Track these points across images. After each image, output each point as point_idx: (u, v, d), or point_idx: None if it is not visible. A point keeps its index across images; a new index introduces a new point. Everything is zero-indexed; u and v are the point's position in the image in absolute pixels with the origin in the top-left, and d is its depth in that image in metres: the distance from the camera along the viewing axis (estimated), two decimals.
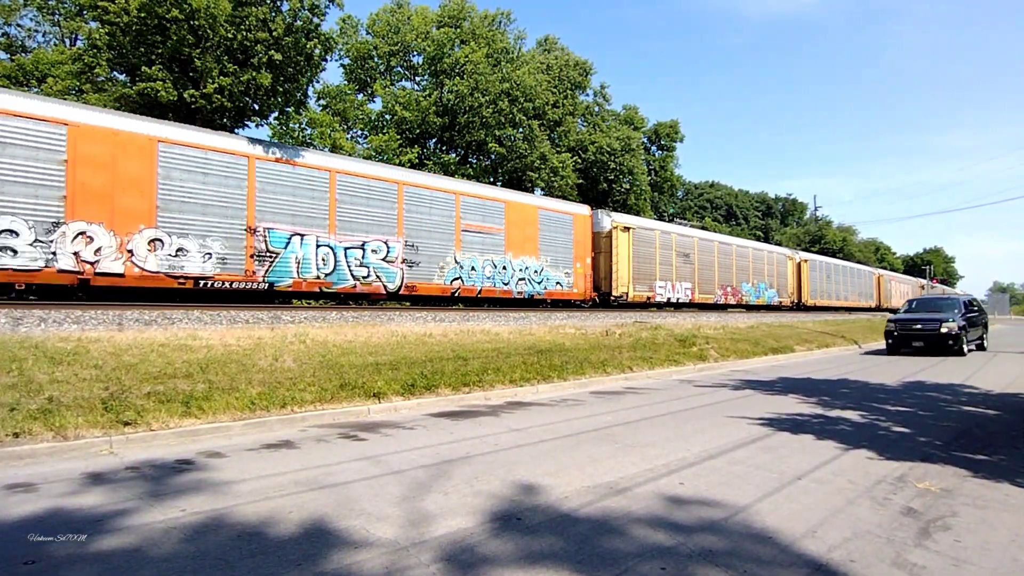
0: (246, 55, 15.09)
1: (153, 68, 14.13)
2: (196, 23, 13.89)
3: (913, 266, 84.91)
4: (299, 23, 15.38)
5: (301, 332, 9.78)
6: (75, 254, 9.99)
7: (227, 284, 11.75)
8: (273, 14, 15.28)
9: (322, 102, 26.08)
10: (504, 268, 16.60)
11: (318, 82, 20.13)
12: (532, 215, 17.54)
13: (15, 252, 9.43)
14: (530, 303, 17.64)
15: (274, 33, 14.92)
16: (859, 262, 48.40)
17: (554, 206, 18.71)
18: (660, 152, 42.27)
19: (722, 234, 30.78)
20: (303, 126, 19.00)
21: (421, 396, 8.20)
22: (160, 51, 14.16)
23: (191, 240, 11.23)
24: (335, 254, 13.18)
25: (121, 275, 10.50)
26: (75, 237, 10.02)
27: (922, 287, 55.60)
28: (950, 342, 16.29)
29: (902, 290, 49.53)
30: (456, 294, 15.47)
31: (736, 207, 78.44)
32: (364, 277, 13.63)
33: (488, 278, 16.16)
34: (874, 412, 7.78)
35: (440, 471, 4.89)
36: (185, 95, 14.36)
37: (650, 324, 16.23)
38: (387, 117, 25.42)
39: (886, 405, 8.38)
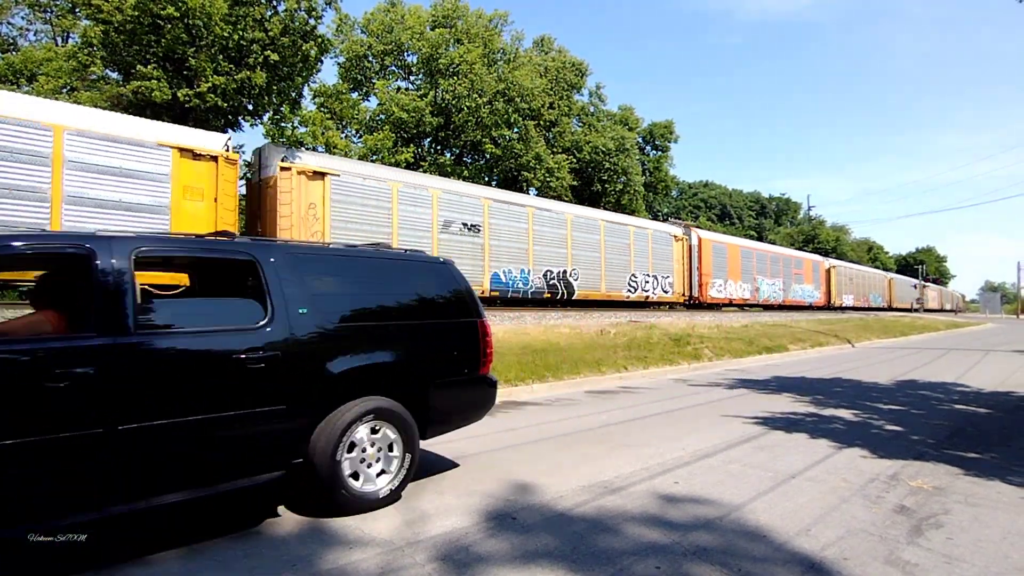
0: (241, 54, 15.02)
1: (148, 67, 14.04)
2: (191, 22, 13.82)
3: (906, 265, 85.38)
4: (296, 24, 15.31)
5: None
6: (718, 291, 24.26)
7: (743, 305, 27.26)
8: (270, 14, 15.21)
9: (317, 100, 25.96)
10: (803, 288, 32.84)
11: (314, 81, 20.05)
12: (810, 264, 34.19)
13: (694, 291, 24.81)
14: (802, 307, 32.46)
15: (270, 33, 14.84)
16: (898, 270, 57.34)
17: (811, 258, 35.22)
18: (655, 152, 42.35)
19: (862, 265, 46.56)
20: (296, 125, 18.91)
21: None
22: (154, 50, 14.07)
23: (736, 285, 25.59)
24: (758, 287, 27.95)
25: (746, 299, 26.35)
26: (715, 285, 24.29)
27: (913, 287, 55.31)
28: None
29: (912, 293, 52.39)
30: (791, 304, 31.11)
31: (730, 207, 78.80)
32: (770, 296, 29.07)
33: (800, 296, 32.22)
34: (867, 411, 7.83)
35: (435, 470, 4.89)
36: (179, 94, 14.28)
37: (644, 323, 16.26)
38: (381, 117, 25.33)
39: (879, 404, 8.43)
